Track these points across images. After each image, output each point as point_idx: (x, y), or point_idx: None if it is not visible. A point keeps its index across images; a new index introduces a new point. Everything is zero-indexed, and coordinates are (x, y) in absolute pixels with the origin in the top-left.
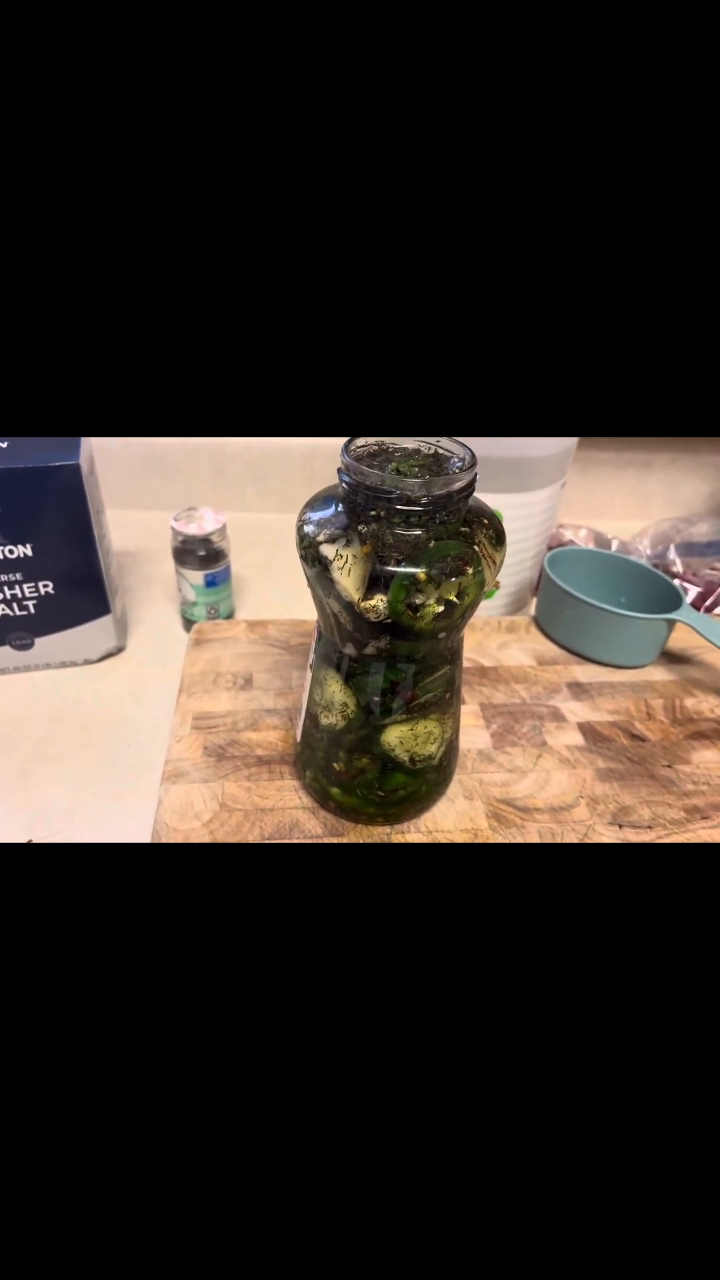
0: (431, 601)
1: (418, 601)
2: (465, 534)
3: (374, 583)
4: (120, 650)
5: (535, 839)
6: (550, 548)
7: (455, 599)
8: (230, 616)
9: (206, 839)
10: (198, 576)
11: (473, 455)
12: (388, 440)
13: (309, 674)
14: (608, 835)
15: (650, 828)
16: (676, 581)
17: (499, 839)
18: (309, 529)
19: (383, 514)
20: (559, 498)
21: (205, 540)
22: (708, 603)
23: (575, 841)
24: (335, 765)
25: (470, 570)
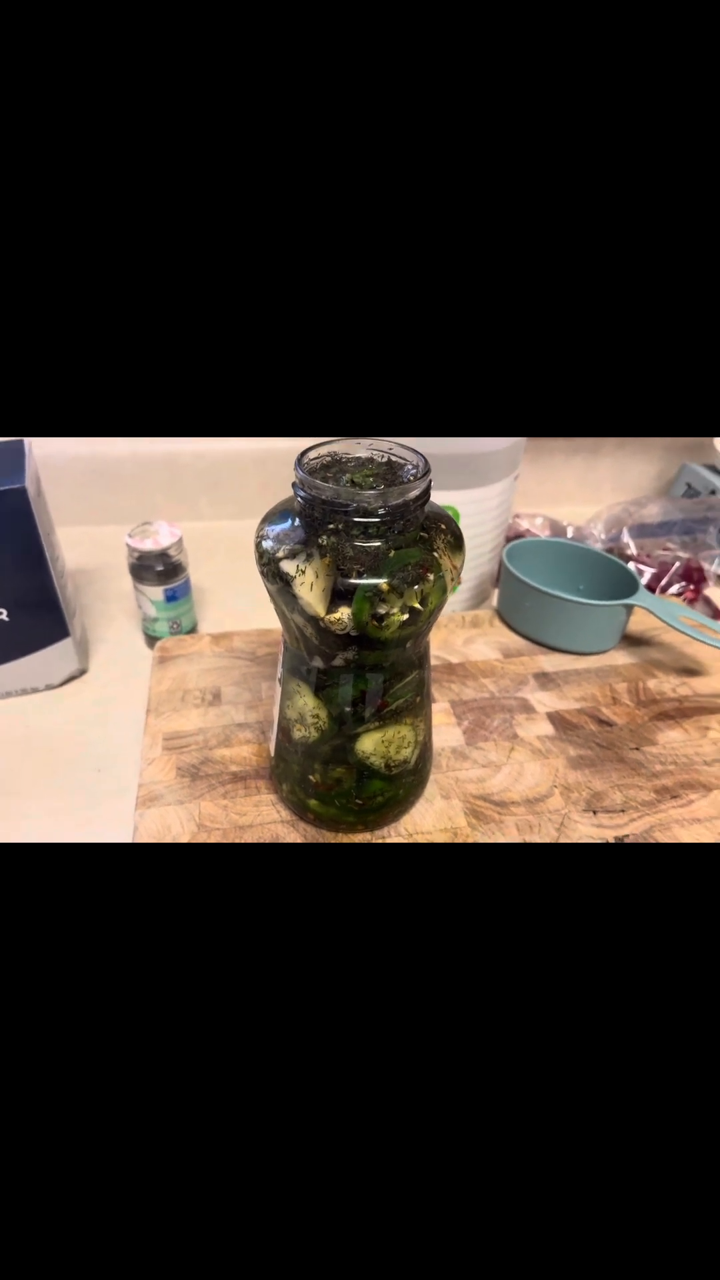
0: (395, 611)
1: (382, 611)
2: (424, 539)
3: (337, 595)
4: (82, 673)
5: (514, 832)
6: (508, 538)
7: (419, 606)
8: (193, 629)
9: None
10: (157, 592)
11: (426, 462)
12: (340, 450)
13: (278, 687)
14: (582, 822)
15: (623, 811)
16: (632, 565)
17: (479, 836)
18: (267, 544)
19: (341, 527)
20: (513, 490)
21: (163, 555)
22: (663, 583)
23: (553, 830)
24: (311, 777)
25: (432, 576)
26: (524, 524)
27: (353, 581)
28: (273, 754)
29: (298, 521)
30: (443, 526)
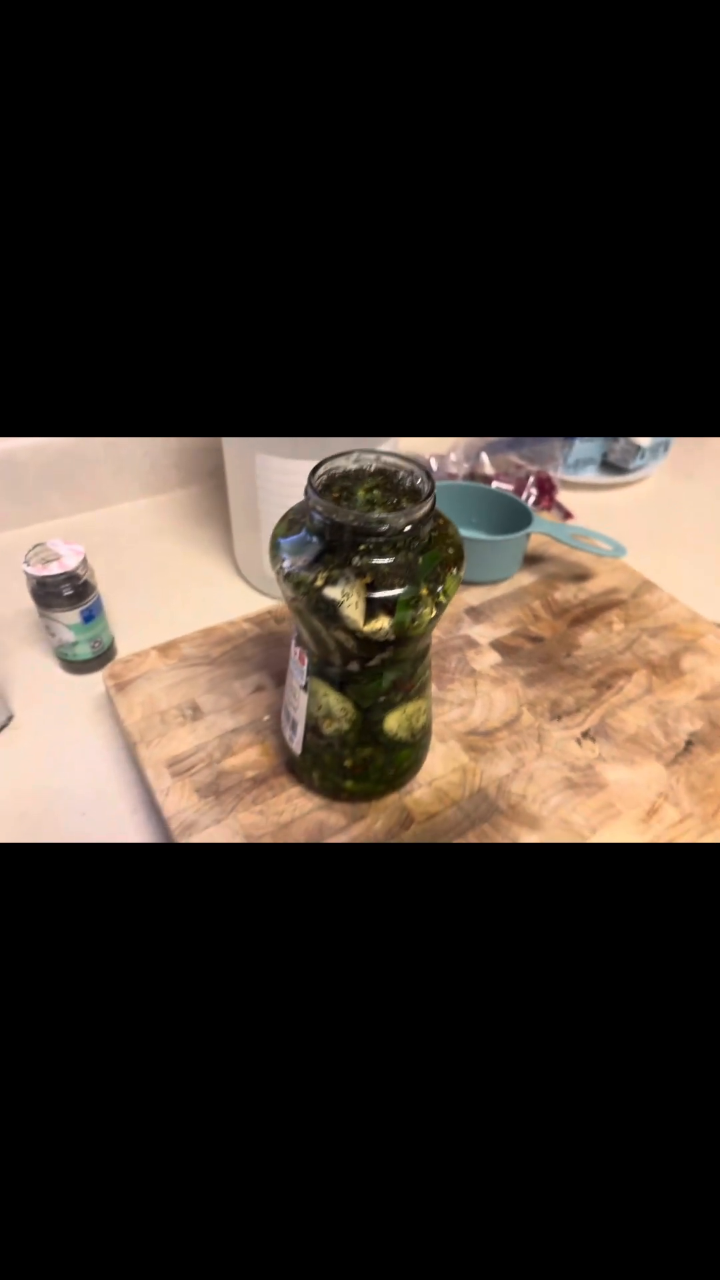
0: (428, 610)
1: (418, 612)
2: (436, 536)
3: (370, 605)
4: (10, 719)
5: (506, 755)
6: None
7: (444, 600)
8: (112, 644)
9: None
10: (72, 616)
11: (426, 470)
12: (332, 466)
13: (300, 693)
14: (553, 729)
15: (579, 710)
16: (495, 484)
17: (482, 765)
18: (296, 570)
19: (371, 546)
20: (397, 444)
21: (71, 577)
22: (522, 496)
23: (535, 743)
24: (346, 763)
25: (454, 570)
26: None
27: (393, 594)
28: (298, 752)
29: (313, 537)
30: (440, 521)
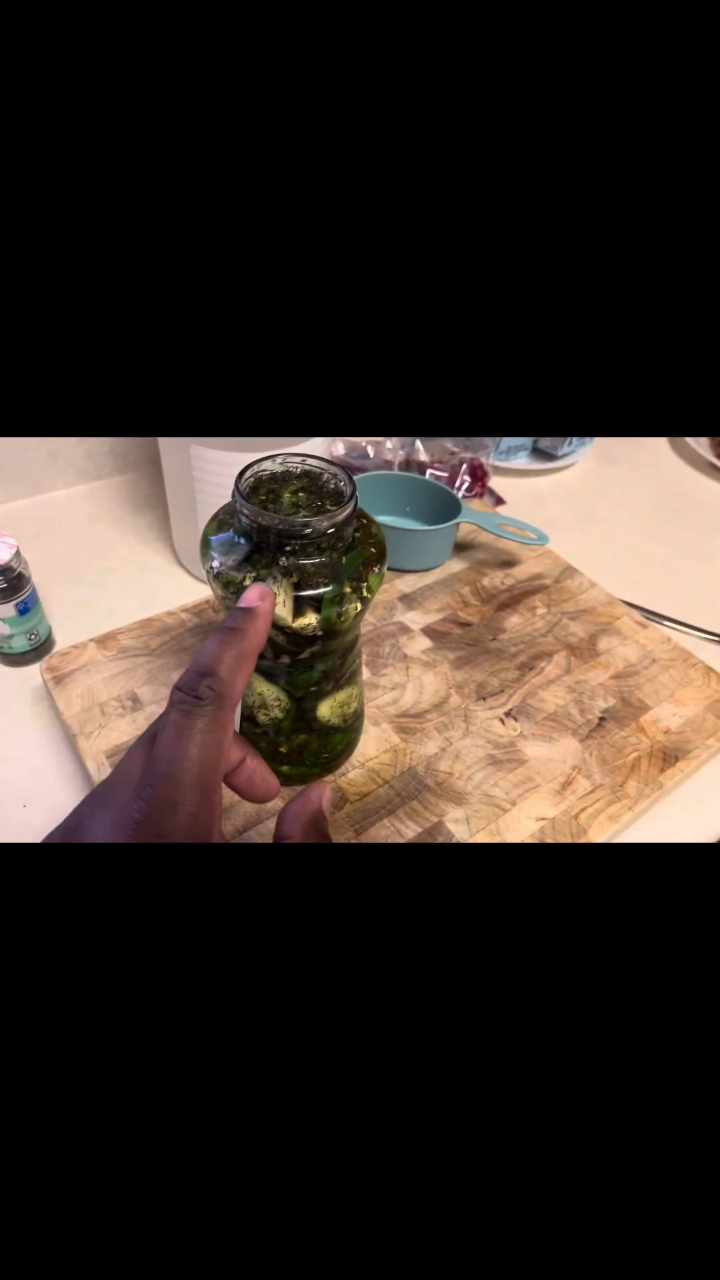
0: (354, 605)
1: (343, 608)
2: (360, 536)
3: (298, 602)
4: None
5: (435, 735)
6: None
7: (368, 595)
8: (49, 636)
9: None
10: (7, 609)
11: (347, 472)
12: (258, 469)
13: None
14: (479, 710)
15: (502, 692)
16: (429, 473)
17: (412, 745)
18: (225, 570)
19: (297, 548)
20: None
21: (4, 570)
22: (455, 484)
23: (462, 722)
24: (281, 749)
25: (376, 568)
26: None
27: (319, 593)
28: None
29: (240, 539)
30: (364, 521)
